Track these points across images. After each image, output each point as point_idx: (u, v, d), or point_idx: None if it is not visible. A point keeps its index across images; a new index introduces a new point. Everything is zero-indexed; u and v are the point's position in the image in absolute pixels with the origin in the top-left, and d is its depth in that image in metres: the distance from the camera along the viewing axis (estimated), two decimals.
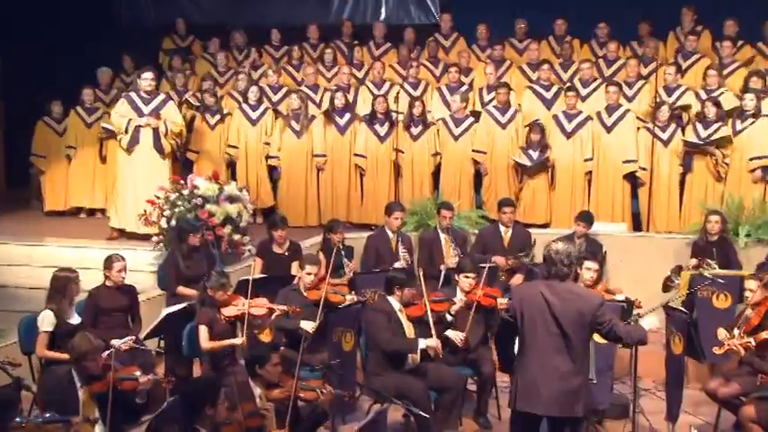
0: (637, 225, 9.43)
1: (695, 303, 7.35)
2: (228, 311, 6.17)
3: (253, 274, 7.45)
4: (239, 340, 5.95)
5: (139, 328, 6.71)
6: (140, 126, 8.85)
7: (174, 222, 7.94)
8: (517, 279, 8.18)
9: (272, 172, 10.34)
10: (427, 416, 4.76)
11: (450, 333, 6.27)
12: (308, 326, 6.35)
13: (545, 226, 9.54)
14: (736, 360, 6.24)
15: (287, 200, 10.17)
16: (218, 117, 10.33)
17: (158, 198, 8.19)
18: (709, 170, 9.16)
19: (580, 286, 4.96)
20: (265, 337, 6.66)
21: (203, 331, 5.99)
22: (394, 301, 6.13)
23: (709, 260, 7.80)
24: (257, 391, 5.16)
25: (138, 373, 5.50)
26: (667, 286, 7.88)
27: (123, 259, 6.69)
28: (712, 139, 9.03)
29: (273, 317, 6.30)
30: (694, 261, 7.92)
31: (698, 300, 7.36)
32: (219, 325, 6.12)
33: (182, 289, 7.28)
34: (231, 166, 10.36)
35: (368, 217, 9.97)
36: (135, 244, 8.62)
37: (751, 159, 9.04)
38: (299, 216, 10.07)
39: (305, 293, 6.65)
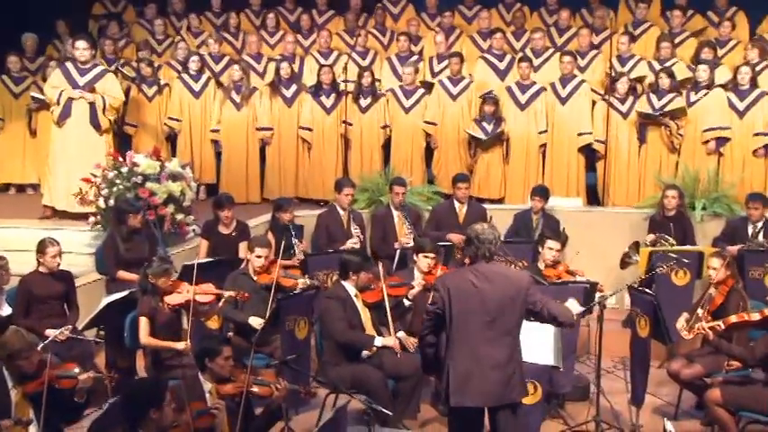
0: (593, 199, 9.27)
1: (654, 280, 7.23)
2: (172, 299, 5.80)
3: (198, 257, 7.17)
4: (181, 345, 5.59)
5: (77, 316, 6.31)
6: (73, 98, 8.28)
7: (112, 202, 7.45)
8: None
9: (215, 147, 9.88)
10: (390, 413, 4.48)
11: (401, 335, 5.98)
12: (255, 322, 6.04)
13: (499, 201, 9.33)
14: (697, 340, 6.13)
15: (228, 175, 9.75)
16: (155, 88, 9.80)
17: (95, 176, 7.69)
18: (664, 142, 9.03)
19: (506, 267, 4.69)
20: (213, 323, 6.34)
21: (144, 324, 5.63)
22: (349, 287, 5.83)
23: (666, 236, 7.68)
24: (207, 386, 4.80)
25: (76, 370, 5.09)
26: (625, 263, 7.75)
27: (57, 243, 6.25)
28: (666, 110, 8.89)
29: (221, 303, 5.96)
30: (652, 237, 7.79)
31: (657, 277, 7.23)
32: (163, 314, 5.76)
33: (122, 273, 6.85)
34: (171, 139, 9.88)
35: (315, 192, 9.64)
36: (70, 224, 8.11)
37: (704, 131, 8.93)
38: (242, 192, 9.64)
39: (255, 277, 6.32)
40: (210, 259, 6.80)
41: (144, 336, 5.64)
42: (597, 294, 6.26)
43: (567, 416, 6.12)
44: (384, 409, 4.44)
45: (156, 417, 4.13)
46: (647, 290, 5.59)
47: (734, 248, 7.51)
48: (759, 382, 5.32)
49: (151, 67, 9.84)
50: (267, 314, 5.97)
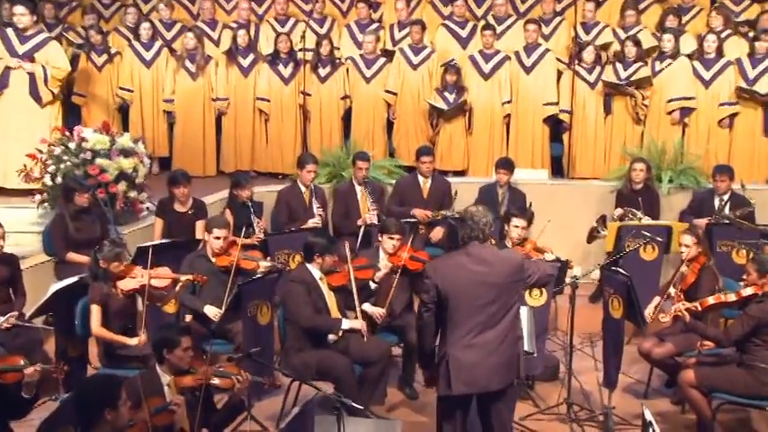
0: (557, 170, 9.11)
1: (622, 256, 7.10)
2: (126, 285, 5.51)
3: (154, 237, 6.86)
4: (134, 341, 5.32)
5: (23, 302, 5.99)
6: (11, 68, 7.80)
7: (59, 180, 7.07)
8: (437, 233, 7.75)
9: (168, 117, 9.49)
10: (360, 407, 4.27)
11: (367, 307, 5.79)
12: (211, 312, 5.78)
13: (462, 173, 9.12)
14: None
15: (183, 148, 9.38)
16: (105, 57, 9.34)
17: (41, 152, 7.29)
18: (629, 112, 8.86)
19: (495, 248, 4.61)
20: (169, 308, 6.05)
21: (95, 312, 5.34)
22: (314, 270, 5.58)
23: (634, 210, 7.54)
24: (165, 378, 4.53)
25: (22, 363, 4.76)
26: (593, 236, 7.62)
27: (1, 226, 5.87)
28: (632, 79, 8.72)
29: (178, 287, 5.67)
30: (620, 211, 7.65)
31: (625, 250, 7.10)
32: (116, 301, 5.47)
33: (72, 255, 6.54)
34: (123, 110, 9.45)
35: (273, 165, 9.34)
36: (13, 201, 7.71)
37: (669, 101, 8.79)
38: (197, 165, 9.32)
39: (213, 260, 6.04)
40: (166, 241, 6.48)
41: (96, 325, 5.35)
42: (569, 275, 6.09)
43: (537, 397, 5.99)
44: (354, 404, 4.22)
45: (111, 417, 3.87)
46: (622, 270, 5.42)
47: (702, 221, 7.42)
48: (733, 363, 5.22)
49: (101, 34, 9.37)
50: (226, 299, 5.72)
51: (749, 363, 5.10)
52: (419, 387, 6.15)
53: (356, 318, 5.67)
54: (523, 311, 4.73)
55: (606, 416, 5.51)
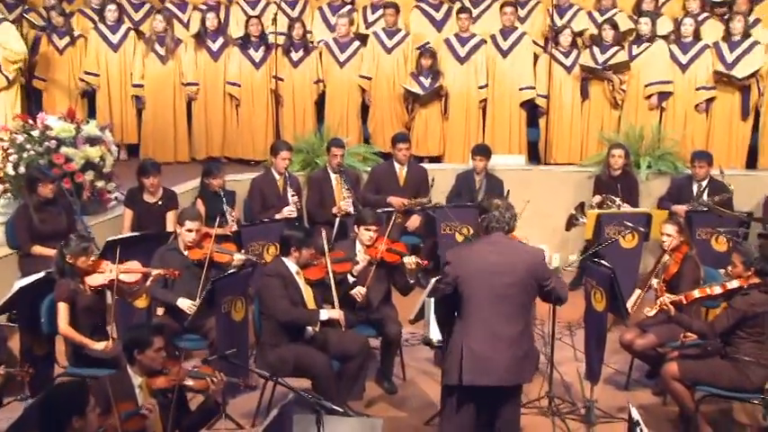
0: (534, 156, 9.00)
1: (602, 244, 7.01)
2: (94, 280, 5.29)
3: (122, 229, 6.65)
4: (101, 345, 5.12)
5: None
6: None
7: (23, 169, 6.80)
8: (414, 221, 7.62)
9: (136, 103, 9.22)
10: (340, 409, 4.13)
11: (357, 290, 5.68)
12: (184, 304, 5.59)
13: (438, 159, 8.97)
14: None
15: (153, 134, 9.13)
16: (67, 39, 9.03)
17: (1, 140, 7.01)
18: (606, 97, 8.76)
19: (519, 242, 4.52)
20: (140, 302, 5.85)
21: (63, 310, 5.12)
22: (291, 264, 5.40)
23: (612, 196, 7.46)
24: (137, 380, 4.35)
25: None
26: (571, 224, 7.53)
27: None
28: (610, 63, 8.61)
29: (149, 282, 5.47)
30: (598, 198, 7.57)
31: (604, 239, 7.02)
32: (84, 298, 5.25)
33: (37, 248, 6.31)
34: (88, 96, 9.17)
35: (245, 151, 9.13)
36: None
37: (646, 86, 8.70)
38: (168, 152, 9.11)
39: (185, 253, 5.84)
40: (135, 234, 6.26)
41: (63, 324, 5.13)
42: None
43: None
44: (334, 407, 4.07)
45: (79, 425, 3.69)
46: (604, 262, 5.32)
47: (681, 208, 7.37)
48: (716, 355, 5.15)
49: (63, 15, 9.06)
50: (199, 293, 5.55)
51: (733, 355, 5.03)
52: (398, 381, 6.04)
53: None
54: None
55: (588, 409, 5.43)
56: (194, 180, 7.57)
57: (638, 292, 5.93)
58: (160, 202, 6.85)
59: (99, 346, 5.13)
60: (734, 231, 6.59)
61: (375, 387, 5.95)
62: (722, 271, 6.57)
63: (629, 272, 6.80)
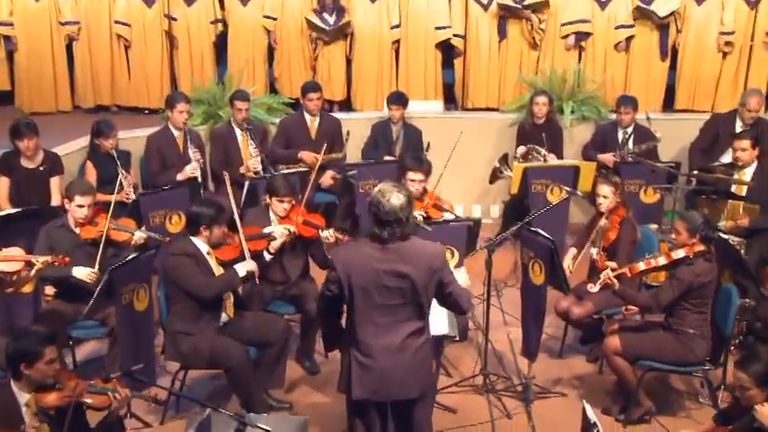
0: (450, 99, 8.52)
1: (528, 198, 6.69)
2: None
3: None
4: None
5: None
6: None
7: None
8: (328, 177, 7.08)
9: (6, 44, 8.21)
10: (269, 429, 3.62)
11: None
12: (82, 273, 4.93)
13: (345, 103, 8.40)
14: (583, 274, 5.66)
15: (29, 80, 8.23)
16: None
17: None
18: (524, 37, 8.33)
19: (413, 241, 3.81)
20: (27, 288, 5.12)
21: None
22: (200, 243, 4.79)
23: (538, 147, 7.09)
24: (23, 398, 3.74)
25: None
26: (495, 177, 7.16)
27: None
28: (528, 2, 8.14)
29: (33, 272, 4.75)
30: (522, 149, 7.19)
31: (531, 195, 6.68)
32: None
33: None
34: None
35: (138, 99, 8.35)
36: None
37: (563, 25, 8.29)
38: (47, 100, 8.26)
39: (77, 231, 5.13)
40: (15, 210, 5.45)
41: None
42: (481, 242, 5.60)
43: (449, 364, 5.54)
44: (259, 424, 3.59)
45: None
46: (543, 232, 4.93)
47: (608, 158, 7.09)
48: (658, 328, 4.90)
49: None
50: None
51: (677, 328, 4.78)
52: (320, 358, 5.59)
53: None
54: None
55: (526, 386, 5.13)
56: (82, 139, 6.76)
57: (573, 250, 5.60)
58: (41, 168, 6.06)
59: None
60: (667, 188, 6.33)
61: (295, 367, 5.49)
62: (654, 226, 6.41)
63: (558, 227, 6.46)
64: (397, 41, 8.34)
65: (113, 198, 5.33)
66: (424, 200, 5.85)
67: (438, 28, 8.28)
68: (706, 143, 7.20)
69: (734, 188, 6.18)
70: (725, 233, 5.76)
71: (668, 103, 8.49)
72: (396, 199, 3.65)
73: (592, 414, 3.56)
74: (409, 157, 6.04)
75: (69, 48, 8.27)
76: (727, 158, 6.65)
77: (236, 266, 4.85)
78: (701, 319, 4.78)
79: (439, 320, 4.31)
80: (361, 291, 3.68)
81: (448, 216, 5.79)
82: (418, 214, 5.54)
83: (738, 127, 7.01)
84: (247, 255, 4.92)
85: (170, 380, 4.97)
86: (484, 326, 5.24)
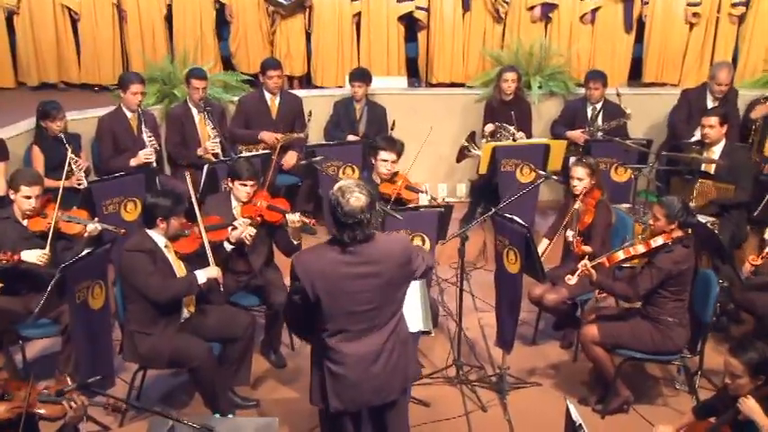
0: (414, 74, 8.26)
1: (498, 177, 6.51)
2: None
3: None
4: None
5: None
6: None
7: None
8: (291, 157, 6.81)
9: None
10: None
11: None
12: (32, 256, 4.66)
13: (305, 79, 8.10)
14: (557, 258, 5.53)
15: None
16: None
17: None
18: (488, 9, 8.09)
19: (378, 239, 3.56)
20: None
21: None
22: (157, 236, 4.52)
23: (506, 125, 6.90)
24: None
25: None
26: (463, 155, 6.96)
27: None
28: None
29: None
30: (491, 127, 6.99)
31: (500, 174, 6.50)
32: None
33: None
34: None
35: (88, 76, 7.96)
36: None
37: None
38: None
39: (24, 223, 4.82)
40: None
41: None
42: (423, 200, 5.40)
43: (420, 354, 5.35)
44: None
45: None
46: (518, 219, 4.74)
47: (578, 135, 6.93)
48: (637, 316, 4.76)
49: None
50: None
51: (655, 316, 4.65)
52: (286, 350, 5.38)
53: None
54: (415, 285, 3.99)
55: (501, 378, 4.97)
56: (27, 120, 6.38)
57: (545, 242, 5.46)
58: None
59: None
60: (638, 168, 6.18)
61: (261, 361, 5.27)
62: (625, 206, 6.27)
63: (527, 207, 6.33)
64: (358, 14, 8.04)
65: (62, 184, 5.03)
66: (396, 182, 5.62)
67: (400, 0, 7.99)
68: (685, 115, 7.07)
69: (703, 167, 6.06)
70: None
71: (634, 76, 8.35)
72: (356, 200, 3.39)
73: (576, 415, 3.41)
74: (380, 137, 5.80)
75: (10, 21, 7.81)
76: (698, 136, 6.54)
77: (197, 272, 4.57)
78: (680, 307, 4.66)
79: (414, 317, 4.12)
80: (328, 298, 3.44)
81: (422, 197, 5.56)
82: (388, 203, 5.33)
83: (710, 102, 6.90)
84: (208, 248, 4.64)
85: (130, 377, 4.72)
86: (457, 316, 5.07)
